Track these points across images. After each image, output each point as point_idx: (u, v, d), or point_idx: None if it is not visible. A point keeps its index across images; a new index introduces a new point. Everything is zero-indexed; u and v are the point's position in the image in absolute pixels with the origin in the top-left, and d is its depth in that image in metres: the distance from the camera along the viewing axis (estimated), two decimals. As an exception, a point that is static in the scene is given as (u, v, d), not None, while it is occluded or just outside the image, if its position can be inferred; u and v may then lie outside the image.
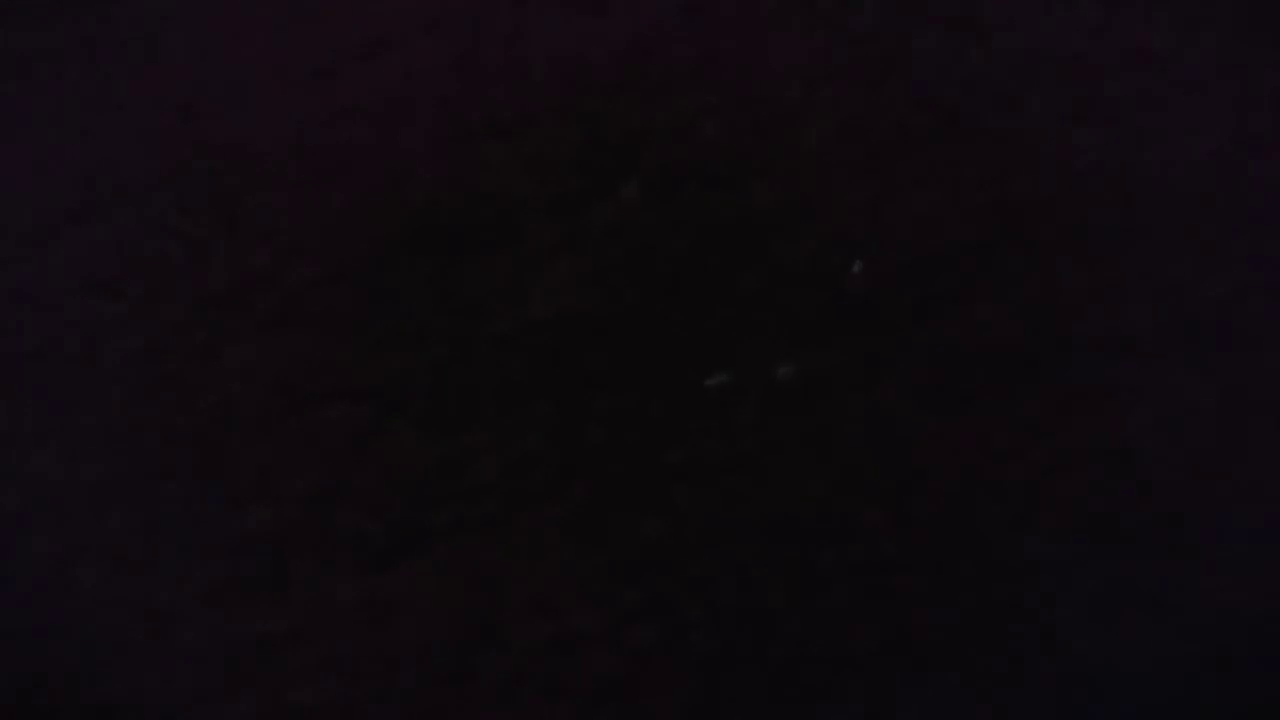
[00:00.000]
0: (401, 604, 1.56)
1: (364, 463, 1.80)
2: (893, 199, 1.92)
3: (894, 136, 1.94)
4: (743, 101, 2.00)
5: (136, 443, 1.86)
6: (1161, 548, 1.56)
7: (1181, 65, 2.05)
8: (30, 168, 2.13)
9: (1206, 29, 2.11)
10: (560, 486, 1.69)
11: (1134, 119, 1.99)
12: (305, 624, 1.55)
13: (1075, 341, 1.83)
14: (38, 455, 1.86)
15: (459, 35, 2.16)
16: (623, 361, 1.84)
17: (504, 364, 1.86)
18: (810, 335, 1.84)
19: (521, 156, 2.03)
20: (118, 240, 2.06)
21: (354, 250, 1.98)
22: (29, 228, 2.08)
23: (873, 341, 1.85)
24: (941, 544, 1.58)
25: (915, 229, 1.90)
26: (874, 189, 1.92)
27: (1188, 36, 2.10)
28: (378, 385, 1.85)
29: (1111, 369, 1.82)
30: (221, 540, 1.66)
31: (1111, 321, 1.84)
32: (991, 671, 1.44)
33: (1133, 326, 1.83)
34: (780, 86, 2.01)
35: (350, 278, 1.96)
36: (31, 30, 2.35)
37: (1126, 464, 1.74)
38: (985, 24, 2.04)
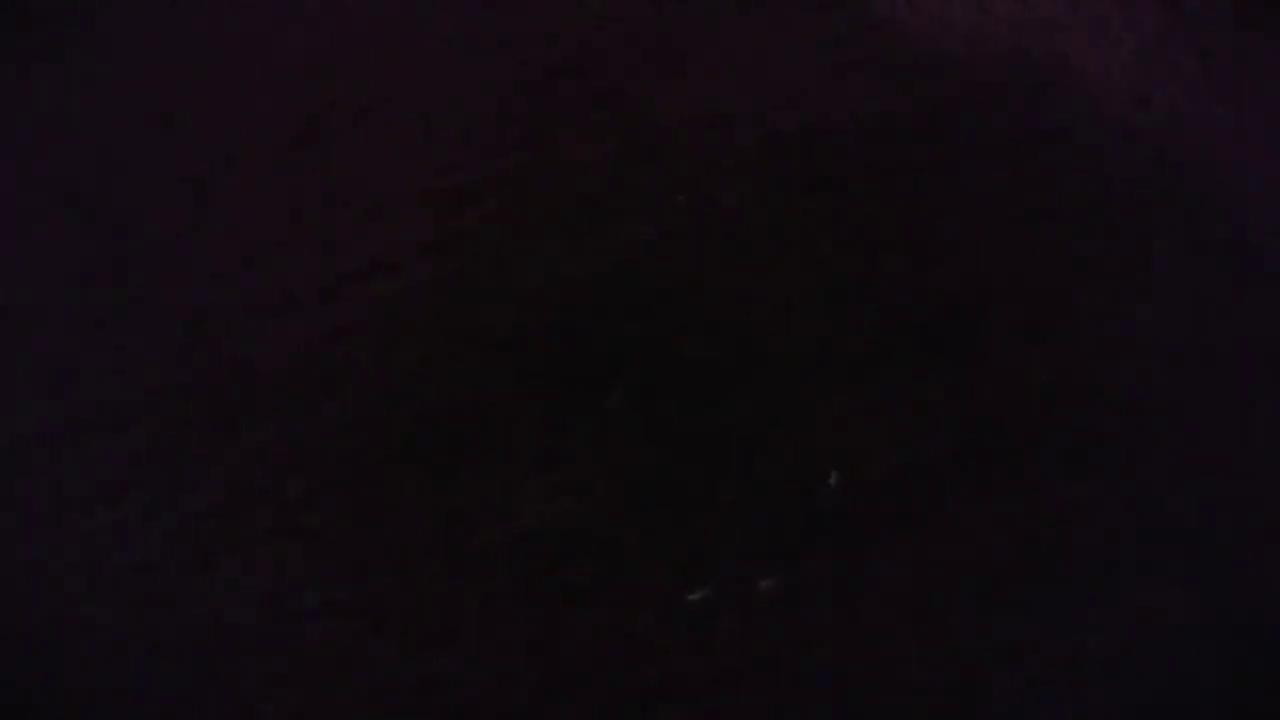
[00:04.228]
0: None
1: (347, 681, 1.80)
2: (865, 413, 1.99)
3: (863, 353, 2.03)
4: (720, 320, 2.11)
5: (124, 656, 1.87)
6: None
7: (1135, 278, 2.16)
8: (40, 378, 2.23)
9: (1159, 238, 2.23)
10: (541, 708, 1.69)
11: (1093, 331, 2.08)
12: None
13: (1051, 554, 1.86)
14: (30, 663, 1.88)
15: (454, 257, 2.29)
16: (605, 576, 1.87)
17: (488, 578, 1.89)
18: (789, 548, 1.88)
19: (510, 372, 2.12)
20: (120, 452, 2.13)
21: (347, 464, 2.05)
22: (34, 438, 2.15)
23: (851, 553, 1.88)
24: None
25: (888, 442, 1.96)
26: (847, 403, 2.00)
27: (1139, 248, 2.21)
28: (363, 601, 1.88)
29: (1090, 581, 1.84)
30: (200, 766, 1.66)
31: (1087, 534, 1.88)
32: None
33: (1108, 539, 1.86)
34: (755, 306, 2.12)
35: (342, 492, 2.01)
36: (46, 246, 2.50)
37: (1109, 682, 1.73)
38: (946, 245, 2.16)
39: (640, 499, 1.94)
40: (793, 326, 2.08)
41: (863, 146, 2.35)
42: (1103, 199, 2.26)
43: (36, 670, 1.87)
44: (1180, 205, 2.26)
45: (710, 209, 2.29)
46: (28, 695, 1.82)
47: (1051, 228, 2.19)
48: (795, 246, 2.19)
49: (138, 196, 2.42)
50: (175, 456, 2.10)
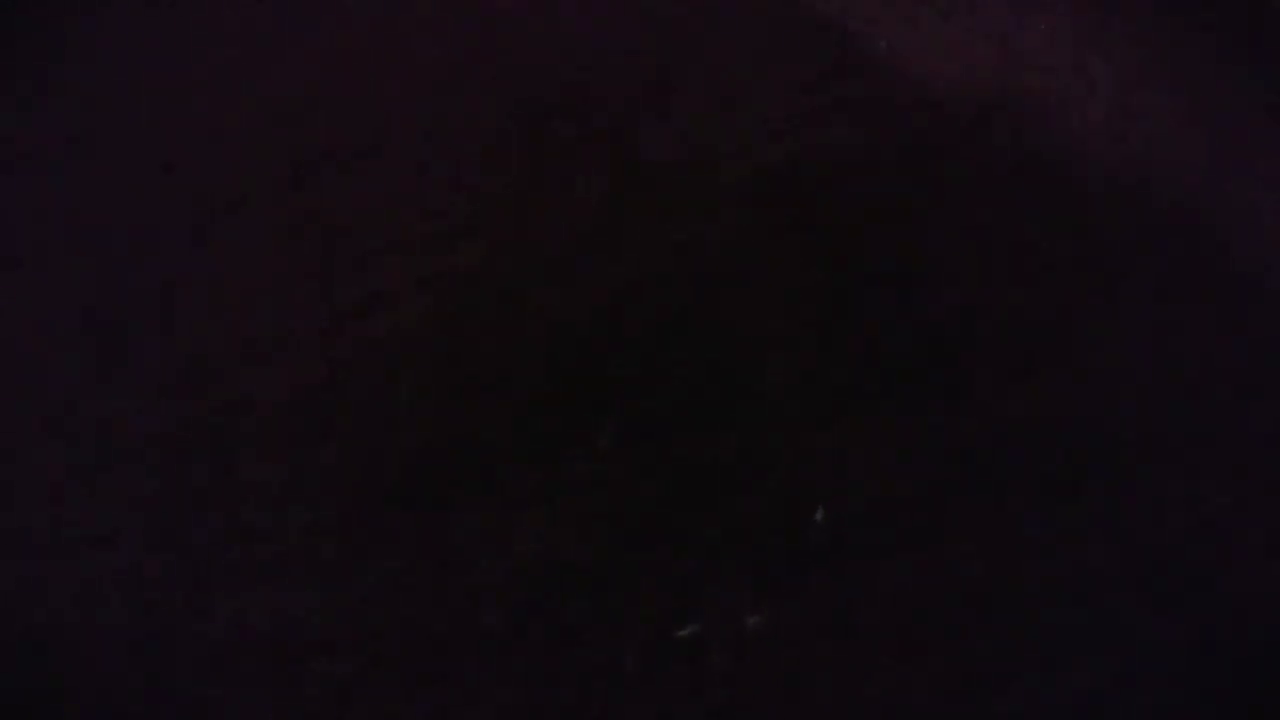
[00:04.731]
0: None
1: (345, 718, 1.84)
2: (851, 448, 2.03)
3: (849, 389, 2.07)
4: (708, 357, 2.15)
5: (126, 694, 1.90)
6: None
7: (1115, 312, 2.20)
8: (40, 420, 2.26)
9: (1139, 273, 2.27)
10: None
11: (1075, 365, 2.11)
12: None
13: (1037, 585, 1.89)
14: (33, 700, 1.91)
15: (448, 296, 2.34)
16: (597, 612, 1.90)
17: (482, 615, 1.92)
18: (777, 584, 1.91)
19: (504, 410, 2.16)
20: (119, 492, 2.17)
21: (343, 503, 2.08)
22: (34, 480, 2.19)
23: (838, 587, 1.91)
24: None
25: (874, 477, 2.00)
26: (832, 439, 2.04)
27: (1119, 282, 2.25)
28: (361, 639, 1.91)
29: (1074, 612, 1.87)
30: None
31: (1073, 565, 1.91)
32: None
33: (1093, 570, 1.90)
34: (742, 342, 2.16)
35: (338, 530, 2.05)
36: (46, 289, 2.54)
37: (1095, 712, 1.76)
38: (930, 280, 2.20)
39: (631, 536, 1.97)
40: (780, 362, 2.12)
41: (847, 182, 2.40)
42: (1083, 234, 2.30)
43: (39, 708, 1.90)
44: (1160, 239, 2.30)
45: (698, 245, 2.33)
46: (31, 736, 1.86)
47: (1033, 263, 2.24)
48: (782, 282, 2.23)
49: (137, 240, 2.46)
50: (175, 497, 2.14)
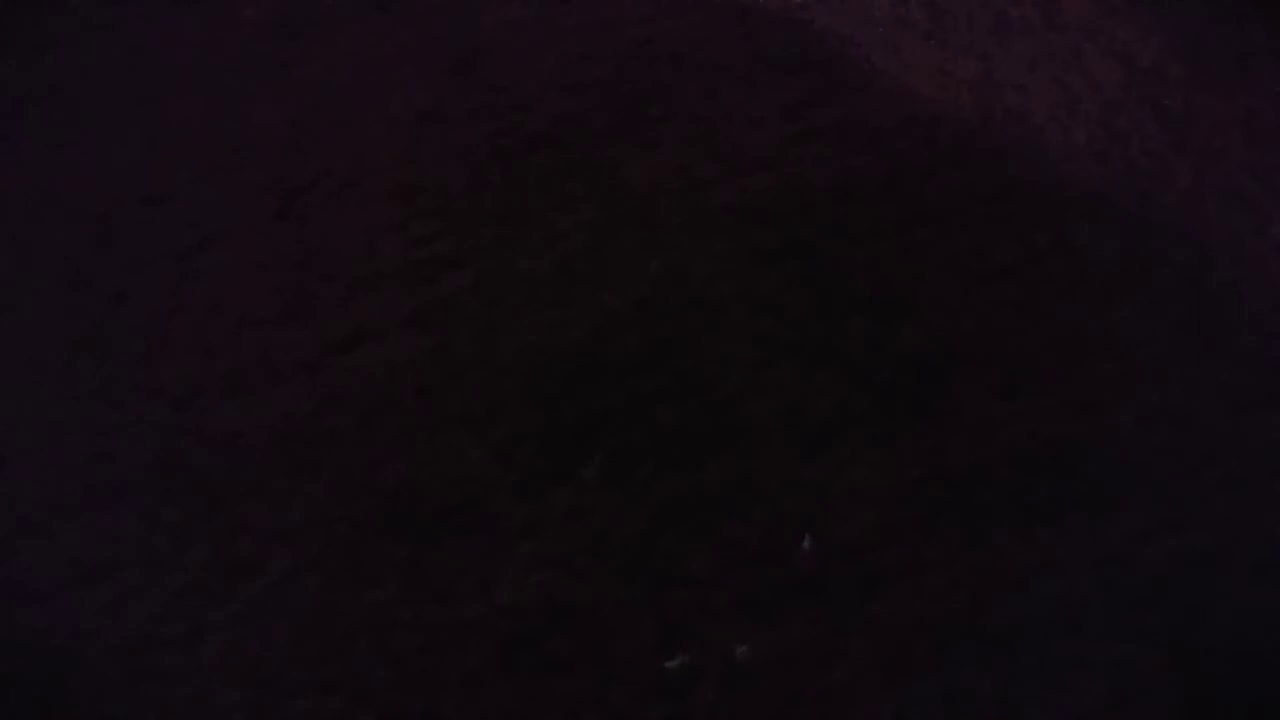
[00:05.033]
0: None
1: (332, 757, 1.83)
2: (837, 476, 2.03)
3: (834, 416, 2.07)
4: (694, 387, 2.15)
5: (113, 734, 1.90)
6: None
7: (1100, 336, 2.20)
8: (23, 459, 2.26)
9: (1123, 296, 2.27)
10: (521, 783, 1.71)
11: (1060, 391, 2.12)
12: None
13: (1023, 614, 1.89)
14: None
15: (434, 328, 2.34)
16: (585, 646, 1.90)
17: (469, 651, 1.92)
18: (765, 613, 1.91)
19: (489, 442, 2.16)
20: (106, 531, 2.16)
21: (329, 538, 2.08)
22: (17, 521, 2.18)
23: (825, 617, 1.91)
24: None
25: (860, 504, 2.00)
26: (819, 466, 2.04)
27: (1103, 306, 2.26)
28: (347, 677, 1.91)
29: (1060, 639, 1.87)
30: None
31: (1056, 592, 1.91)
32: None
33: (1078, 598, 1.89)
34: (728, 371, 2.16)
35: (325, 566, 2.05)
36: (30, 326, 2.54)
37: (1081, 740, 1.76)
38: (915, 305, 2.21)
39: (618, 568, 1.97)
40: (765, 391, 2.12)
41: (831, 208, 2.41)
42: (1067, 257, 2.31)
43: (27, 748, 1.90)
44: (1143, 263, 2.31)
45: (683, 274, 2.33)
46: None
47: (1018, 287, 2.24)
48: (767, 310, 2.23)
49: (122, 274, 2.46)
50: (160, 534, 2.14)
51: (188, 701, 1.93)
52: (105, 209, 2.56)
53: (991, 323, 2.20)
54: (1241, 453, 2.04)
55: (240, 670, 1.95)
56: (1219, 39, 2.35)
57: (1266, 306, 2.22)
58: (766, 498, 2.01)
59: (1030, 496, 1.99)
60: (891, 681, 1.83)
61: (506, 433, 2.17)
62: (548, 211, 2.45)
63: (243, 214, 2.52)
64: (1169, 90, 2.41)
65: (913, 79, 2.54)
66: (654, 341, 2.23)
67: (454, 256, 2.42)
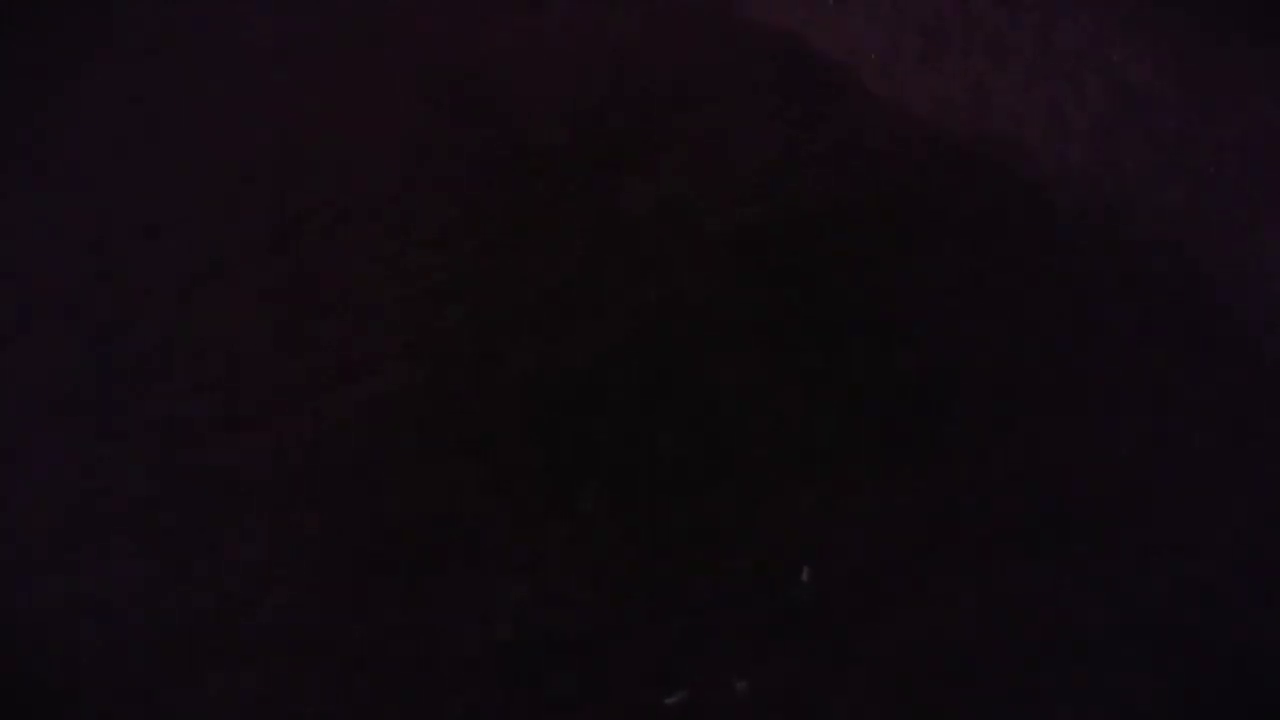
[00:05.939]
0: None
1: (331, 795, 1.81)
2: (835, 505, 2.02)
3: (832, 445, 2.07)
4: (690, 415, 2.14)
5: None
6: None
7: (1097, 360, 2.20)
8: (23, 495, 2.25)
9: (1119, 320, 2.27)
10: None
11: (1058, 417, 2.11)
12: None
13: (1026, 643, 1.88)
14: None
15: (431, 359, 2.33)
16: (584, 682, 1.89)
17: (467, 687, 1.91)
18: (764, 646, 1.90)
19: (485, 475, 2.15)
20: (106, 565, 2.16)
21: (328, 573, 2.07)
22: (18, 555, 2.18)
23: (824, 648, 1.89)
24: None
25: (858, 534, 1.99)
26: (816, 496, 2.03)
27: (1099, 330, 2.25)
28: (348, 712, 1.90)
29: (1060, 666, 1.85)
30: None
31: (1061, 623, 1.89)
32: None
33: (1077, 625, 1.88)
34: (725, 399, 2.16)
35: (324, 601, 2.04)
36: (31, 358, 2.54)
37: (1084, 770, 1.74)
38: (911, 330, 2.20)
39: (616, 602, 1.96)
40: (762, 419, 2.11)
41: (827, 235, 2.40)
42: (1062, 280, 2.30)
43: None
44: (1138, 285, 2.30)
45: (679, 303, 2.33)
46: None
47: (1014, 312, 2.24)
48: (763, 336, 2.23)
49: (121, 306, 2.47)
50: (160, 571, 2.13)
51: (188, 738, 1.92)
52: (103, 238, 2.57)
53: (989, 348, 2.19)
54: (1241, 479, 2.03)
55: (241, 706, 1.94)
56: (1213, 62, 2.35)
57: (1263, 330, 2.22)
58: (765, 527, 2.00)
59: (1030, 524, 1.98)
60: (892, 713, 1.82)
61: (503, 464, 2.17)
62: (544, 241, 2.45)
63: (241, 246, 2.53)
64: (1163, 113, 2.41)
65: (908, 107, 2.54)
66: (651, 370, 2.22)
67: (450, 287, 2.42)
